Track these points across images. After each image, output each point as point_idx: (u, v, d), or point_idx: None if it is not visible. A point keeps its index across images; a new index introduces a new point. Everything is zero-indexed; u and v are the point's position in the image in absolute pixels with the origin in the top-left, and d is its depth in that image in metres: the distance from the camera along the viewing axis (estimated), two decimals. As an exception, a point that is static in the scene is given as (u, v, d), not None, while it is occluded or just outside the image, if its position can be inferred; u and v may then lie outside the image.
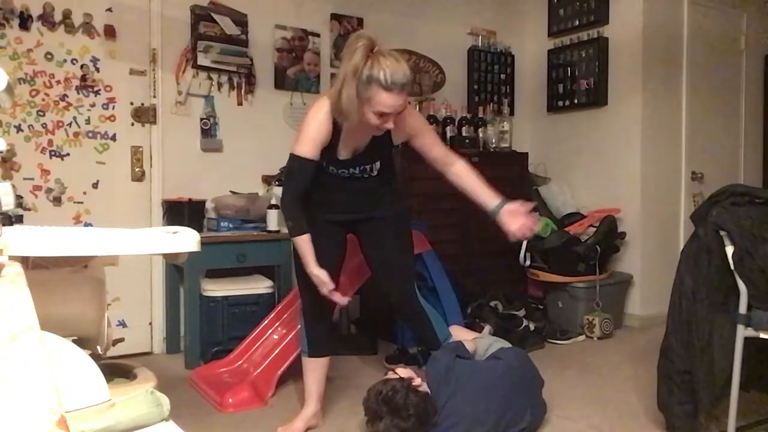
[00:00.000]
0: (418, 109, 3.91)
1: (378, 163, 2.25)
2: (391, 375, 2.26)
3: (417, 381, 2.19)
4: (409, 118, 2.21)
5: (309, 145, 2.11)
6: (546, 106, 4.59)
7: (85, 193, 3.23)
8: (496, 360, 2.34)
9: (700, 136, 4.31)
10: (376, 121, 2.05)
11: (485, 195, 2.25)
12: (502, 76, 4.60)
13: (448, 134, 3.96)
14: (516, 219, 2.20)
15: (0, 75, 1.10)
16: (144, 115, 3.37)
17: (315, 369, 2.41)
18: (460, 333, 2.64)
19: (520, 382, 2.29)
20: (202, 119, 3.51)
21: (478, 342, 2.52)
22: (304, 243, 2.19)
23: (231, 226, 3.31)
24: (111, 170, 3.30)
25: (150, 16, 3.35)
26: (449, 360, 2.25)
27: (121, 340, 2.14)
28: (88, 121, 3.23)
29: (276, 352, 2.82)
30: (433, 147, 2.28)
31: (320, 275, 2.18)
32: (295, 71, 3.79)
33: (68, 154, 3.19)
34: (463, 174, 2.28)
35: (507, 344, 2.56)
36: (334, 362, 2.52)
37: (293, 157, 2.15)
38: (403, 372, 2.25)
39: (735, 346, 2.04)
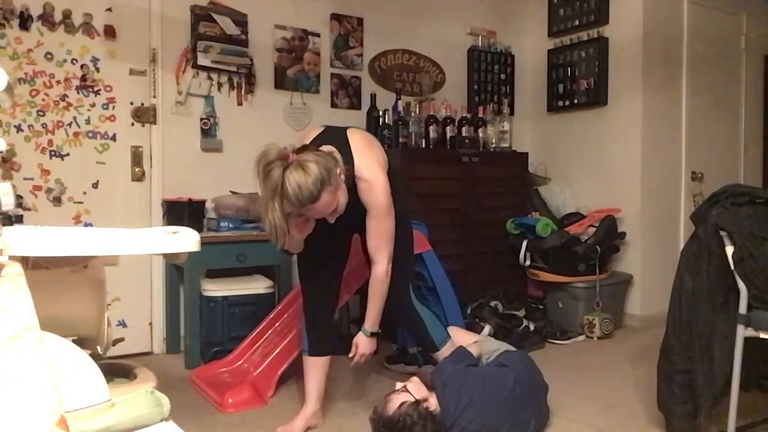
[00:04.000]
0: (418, 109, 3.91)
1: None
2: (401, 391, 2.17)
3: (430, 402, 2.12)
4: (366, 194, 2.14)
5: (273, 238, 2.10)
6: (546, 106, 4.59)
7: (85, 193, 3.23)
8: (505, 369, 2.28)
9: (700, 136, 4.31)
10: (314, 221, 2.11)
11: (368, 311, 2.33)
12: (502, 76, 4.60)
13: (448, 134, 3.96)
14: (356, 343, 2.35)
15: (0, 75, 1.10)
16: (144, 115, 3.37)
17: (315, 368, 2.41)
18: (459, 334, 2.63)
19: (528, 392, 2.26)
20: (202, 119, 3.51)
21: (481, 345, 2.49)
22: (311, 365, 2.41)
23: (231, 226, 3.31)
24: (111, 170, 3.30)
25: (150, 16, 3.35)
26: (460, 372, 2.19)
27: (121, 340, 2.14)
28: (88, 121, 3.23)
29: (276, 352, 2.82)
30: (370, 233, 2.20)
31: (308, 406, 2.37)
32: (295, 71, 3.79)
33: (68, 154, 3.19)
34: (374, 280, 2.26)
35: (509, 347, 2.54)
36: (334, 362, 2.52)
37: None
38: (415, 390, 2.16)
39: (735, 346, 2.04)
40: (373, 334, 2.34)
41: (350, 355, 2.34)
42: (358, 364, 2.39)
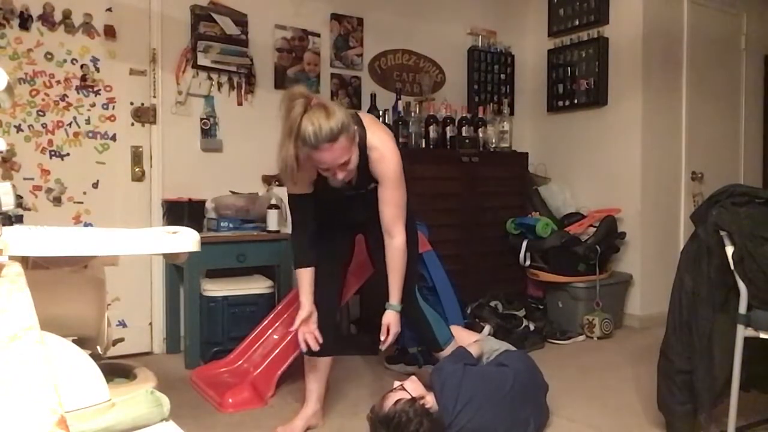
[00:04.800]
0: (417, 109, 3.91)
1: (373, 184, 2.20)
2: (398, 389, 2.18)
3: (427, 400, 2.12)
4: (378, 165, 2.13)
5: (290, 185, 2.17)
6: (546, 106, 4.60)
7: (85, 193, 3.23)
8: (504, 368, 2.28)
9: (700, 136, 4.31)
10: (324, 174, 2.07)
11: (392, 286, 2.25)
12: (502, 76, 4.60)
13: (448, 134, 3.96)
14: (388, 322, 2.27)
15: (0, 75, 1.10)
16: (144, 115, 3.37)
17: (316, 369, 2.41)
18: (460, 333, 2.63)
19: (527, 392, 2.25)
20: (202, 119, 3.51)
21: (482, 345, 2.49)
22: (302, 275, 2.28)
23: (231, 226, 3.31)
24: (111, 170, 3.30)
25: (150, 16, 3.35)
26: (459, 371, 2.19)
27: (121, 340, 2.14)
28: (88, 121, 3.23)
29: (276, 352, 2.82)
30: (385, 204, 2.17)
31: (304, 308, 2.26)
32: (295, 71, 3.79)
33: (68, 154, 3.19)
34: (393, 252, 2.21)
35: (510, 347, 2.54)
36: (334, 362, 2.52)
37: (288, 195, 2.24)
38: (413, 388, 2.16)
39: (735, 346, 2.04)
40: (400, 310, 2.28)
41: (382, 337, 2.24)
42: (389, 345, 2.30)
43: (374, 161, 2.12)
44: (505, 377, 2.22)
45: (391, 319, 2.26)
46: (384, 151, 2.12)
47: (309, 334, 2.28)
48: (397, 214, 2.18)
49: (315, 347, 2.29)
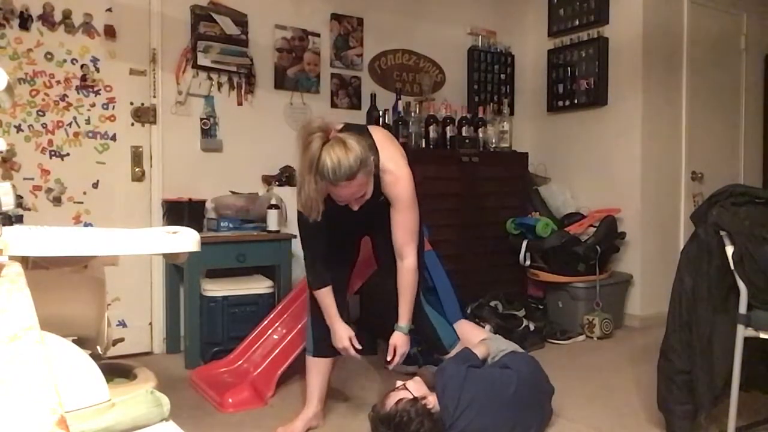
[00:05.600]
0: (417, 109, 3.91)
1: (383, 197, 2.19)
2: (400, 389, 2.17)
3: (429, 400, 2.11)
4: (392, 188, 2.12)
5: (314, 215, 2.06)
6: (546, 106, 4.59)
7: (85, 193, 3.23)
8: (508, 371, 2.26)
9: (700, 136, 4.31)
10: (342, 204, 2.06)
11: (401, 308, 2.25)
12: (502, 76, 4.60)
13: (448, 134, 3.96)
14: (395, 344, 2.26)
15: (0, 75, 1.10)
16: (144, 115, 3.37)
17: (318, 369, 2.41)
18: (467, 329, 2.61)
19: (530, 396, 2.25)
20: (202, 119, 3.51)
21: (490, 345, 2.46)
22: (324, 297, 2.26)
23: (231, 226, 3.31)
24: (111, 170, 3.30)
25: (150, 16, 3.35)
26: (461, 373, 2.18)
27: (121, 340, 2.14)
28: (88, 121, 3.23)
29: (276, 352, 2.82)
30: (397, 227, 2.17)
31: (340, 332, 2.25)
32: (295, 71, 3.79)
33: (68, 154, 3.19)
34: (404, 274, 2.21)
35: (517, 348, 2.52)
36: (336, 363, 2.51)
37: (299, 216, 2.17)
38: (415, 388, 2.16)
39: (735, 346, 2.04)
40: (409, 331, 2.27)
41: (389, 358, 2.25)
42: (397, 365, 2.31)
43: (388, 184, 2.12)
44: (508, 381, 2.21)
45: (398, 340, 2.26)
46: (398, 174, 2.11)
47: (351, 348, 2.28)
48: (409, 237, 2.18)
49: (357, 347, 2.29)
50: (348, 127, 2.18)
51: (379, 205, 2.16)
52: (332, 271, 2.33)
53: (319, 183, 1.95)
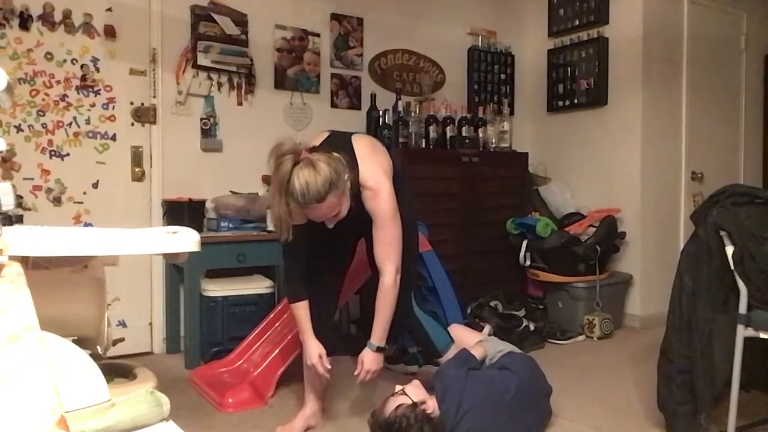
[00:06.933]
0: (417, 109, 3.91)
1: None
2: (399, 394, 2.16)
3: (429, 405, 2.10)
4: (370, 202, 2.12)
5: (285, 236, 2.08)
6: (546, 106, 4.60)
7: (85, 193, 3.23)
8: (507, 372, 2.25)
9: (700, 136, 4.31)
10: (317, 222, 2.07)
11: (375, 325, 2.25)
12: (502, 76, 4.60)
13: (448, 134, 3.96)
14: (362, 360, 2.26)
15: (0, 75, 1.10)
16: (144, 115, 3.37)
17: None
18: (462, 333, 2.61)
19: (530, 398, 2.24)
20: (202, 119, 3.51)
21: (488, 346, 2.46)
22: (298, 310, 2.27)
23: (231, 226, 3.31)
24: (111, 170, 3.30)
25: (150, 16, 3.35)
26: (462, 376, 2.17)
27: (121, 340, 2.14)
28: (88, 121, 3.23)
29: (276, 352, 2.82)
30: (378, 243, 2.17)
31: (311, 349, 2.25)
32: (295, 71, 3.79)
33: (68, 154, 3.19)
34: (381, 291, 2.19)
35: (514, 348, 2.52)
36: (334, 363, 2.51)
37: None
38: (414, 392, 2.14)
39: (735, 346, 2.04)
40: (379, 349, 2.24)
41: (356, 372, 2.26)
42: (364, 381, 2.29)
43: (367, 199, 2.12)
44: (508, 383, 2.20)
45: (366, 357, 2.24)
46: (377, 189, 2.10)
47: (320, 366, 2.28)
48: (387, 254, 2.16)
49: (327, 366, 2.28)
50: (329, 141, 2.18)
51: (367, 212, 2.16)
52: (322, 275, 2.33)
53: (291, 204, 1.96)
